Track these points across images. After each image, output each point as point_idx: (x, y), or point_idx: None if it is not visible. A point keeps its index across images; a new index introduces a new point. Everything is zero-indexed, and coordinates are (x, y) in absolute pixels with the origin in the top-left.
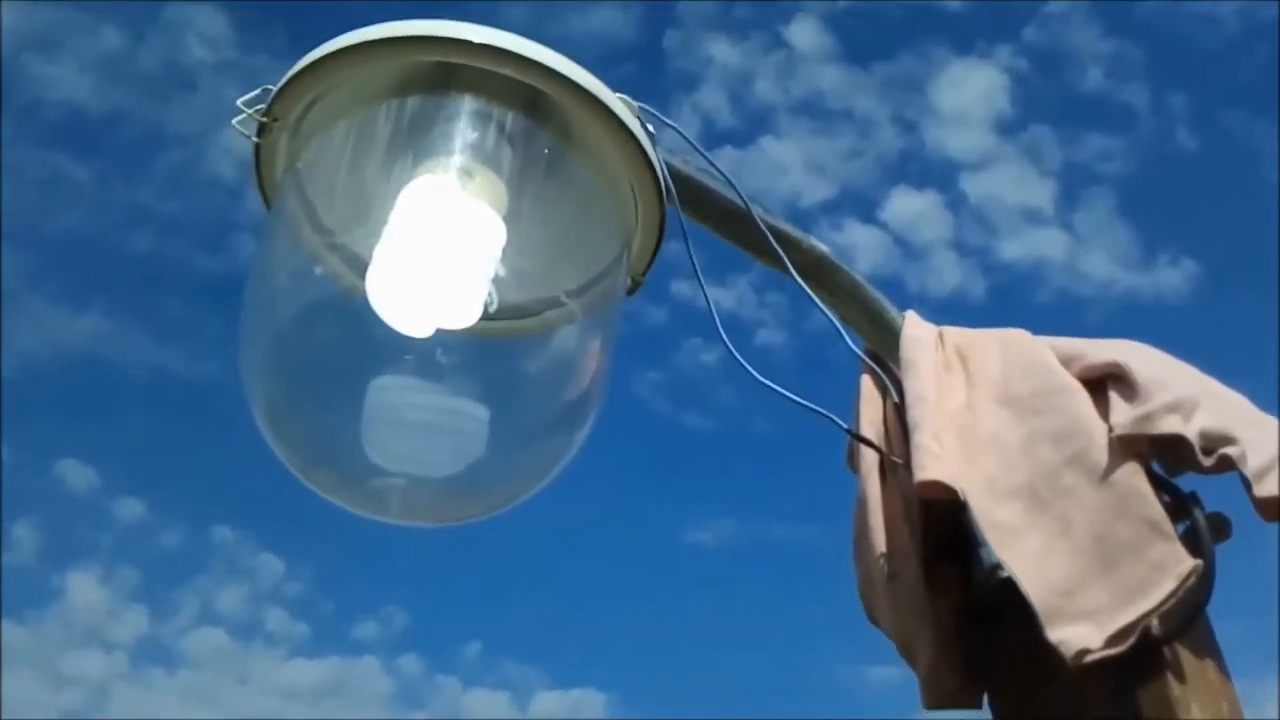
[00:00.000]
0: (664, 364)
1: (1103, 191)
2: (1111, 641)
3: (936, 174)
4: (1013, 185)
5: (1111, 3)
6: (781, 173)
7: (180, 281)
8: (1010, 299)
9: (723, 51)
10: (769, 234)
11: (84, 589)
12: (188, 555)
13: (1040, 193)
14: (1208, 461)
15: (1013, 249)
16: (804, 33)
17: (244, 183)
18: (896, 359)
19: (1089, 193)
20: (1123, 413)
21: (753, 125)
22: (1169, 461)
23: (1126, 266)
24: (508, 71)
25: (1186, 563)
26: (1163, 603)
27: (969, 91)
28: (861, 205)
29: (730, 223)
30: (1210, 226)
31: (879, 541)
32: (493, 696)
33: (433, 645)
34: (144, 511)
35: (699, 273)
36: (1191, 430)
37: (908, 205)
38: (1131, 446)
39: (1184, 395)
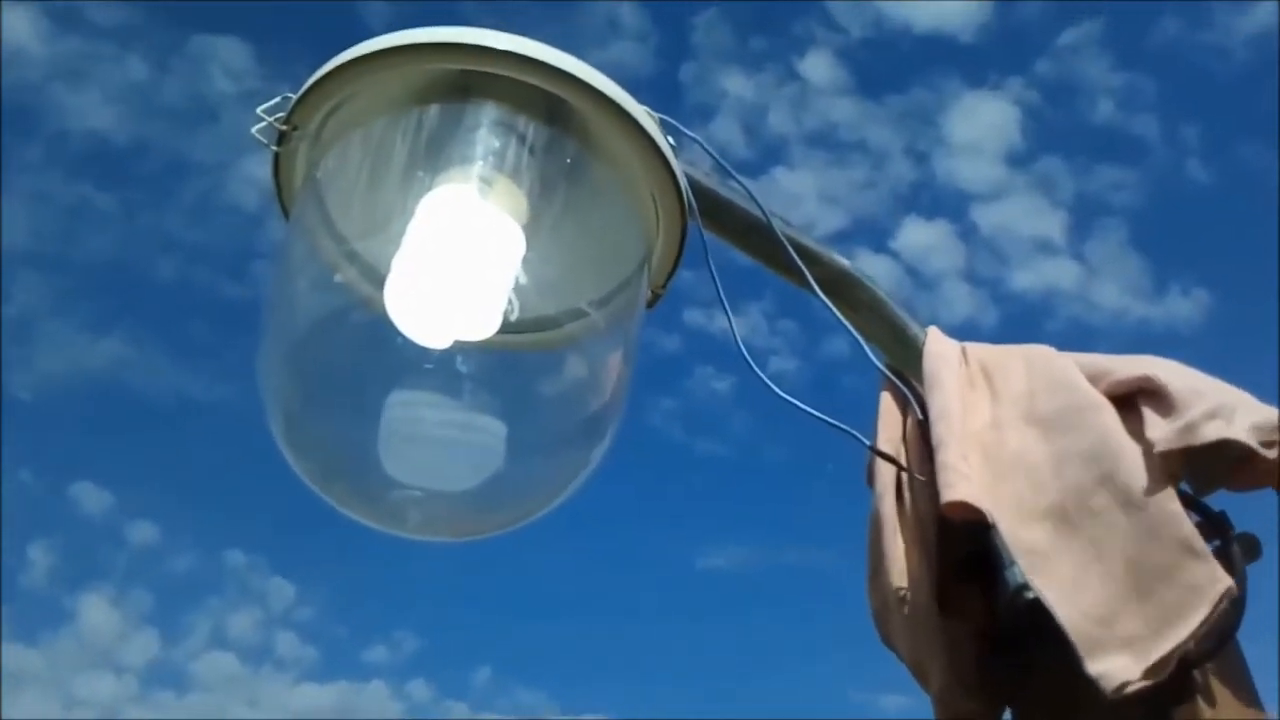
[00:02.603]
0: (677, 391)
1: (1114, 222)
2: (1150, 673)
3: (948, 205)
4: (1024, 216)
5: (1123, 35)
6: (795, 203)
7: (202, 307)
8: (1022, 329)
9: (737, 84)
10: (790, 248)
11: (96, 611)
12: (200, 579)
13: (1052, 223)
14: (1271, 453)
15: (1024, 279)
16: (817, 66)
17: (266, 211)
18: (918, 375)
19: (1101, 223)
20: (1160, 427)
21: (766, 156)
22: (1199, 478)
23: (1138, 296)
24: (531, 79)
25: (1220, 583)
26: (1198, 629)
27: (980, 123)
28: (873, 235)
29: (751, 236)
30: (1223, 257)
31: (893, 562)
32: None
33: (442, 670)
34: (157, 535)
35: (718, 285)
36: (1238, 430)
37: (919, 235)
38: (1170, 463)
39: (1221, 401)
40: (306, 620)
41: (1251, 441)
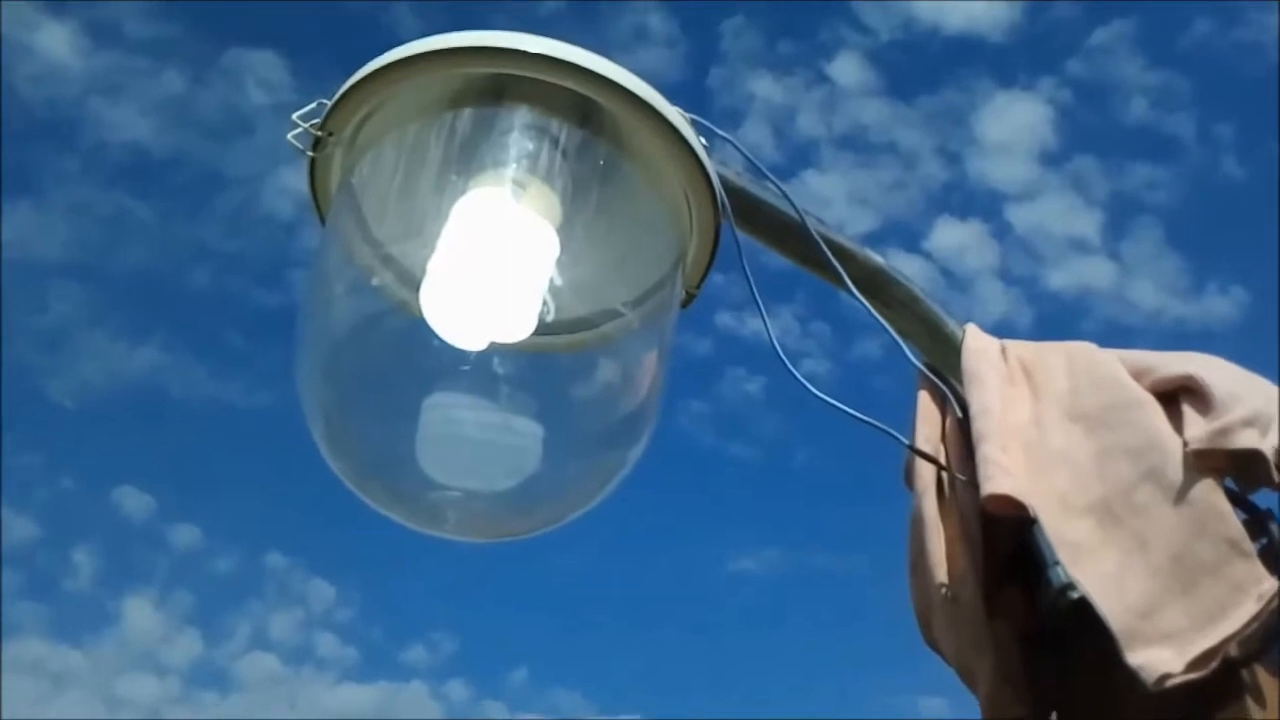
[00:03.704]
0: (708, 394)
1: (1150, 221)
2: (1193, 666)
3: (981, 205)
4: (1059, 215)
5: (1155, 34)
6: (825, 205)
7: (237, 316)
8: (1058, 328)
9: (766, 88)
10: (824, 246)
11: (139, 613)
12: (241, 580)
13: (1087, 222)
14: None
15: (1059, 278)
16: (846, 68)
17: (300, 221)
18: (956, 373)
19: (1136, 222)
20: (1197, 426)
21: (796, 159)
22: (1244, 478)
23: (1175, 295)
24: (564, 82)
25: (1268, 584)
26: (1245, 626)
27: (1012, 123)
28: (906, 236)
29: (784, 236)
30: (1260, 254)
31: (937, 562)
32: None
33: (480, 671)
34: (199, 537)
35: (752, 284)
36: (1268, 445)
37: (952, 236)
38: (1208, 461)
39: (1260, 409)
40: (346, 621)
41: (1271, 460)
